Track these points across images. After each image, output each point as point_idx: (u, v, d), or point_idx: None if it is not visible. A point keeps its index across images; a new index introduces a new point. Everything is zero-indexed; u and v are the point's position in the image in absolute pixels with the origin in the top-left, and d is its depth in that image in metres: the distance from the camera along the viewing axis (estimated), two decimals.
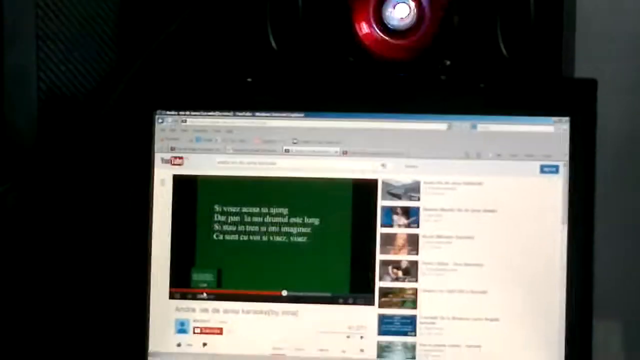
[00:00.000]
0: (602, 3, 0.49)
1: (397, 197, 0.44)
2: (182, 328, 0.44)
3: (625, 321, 0.51)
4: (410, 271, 0.44)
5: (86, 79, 0.45)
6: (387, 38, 0.44)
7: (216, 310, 0.44)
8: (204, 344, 0.44)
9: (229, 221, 0.44)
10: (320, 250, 0.44)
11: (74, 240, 0.46)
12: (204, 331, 0.44)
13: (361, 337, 0.44)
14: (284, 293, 0.44)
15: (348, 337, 0.44)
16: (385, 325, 0.44)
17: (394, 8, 0.44)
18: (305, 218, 0.44)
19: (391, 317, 0.44)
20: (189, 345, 0.44)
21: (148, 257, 0.44)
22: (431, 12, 0.44)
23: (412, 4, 0.44)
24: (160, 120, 0.45)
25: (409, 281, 0.44)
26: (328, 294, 0.44)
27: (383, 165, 0.44)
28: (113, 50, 0.46)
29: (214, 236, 0.44)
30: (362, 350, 0.44)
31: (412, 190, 0.44)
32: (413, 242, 0.44)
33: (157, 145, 0.45)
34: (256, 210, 0.44)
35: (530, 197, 0.43)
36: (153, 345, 0.44)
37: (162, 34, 0.45)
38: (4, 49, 0.42)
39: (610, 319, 0.50)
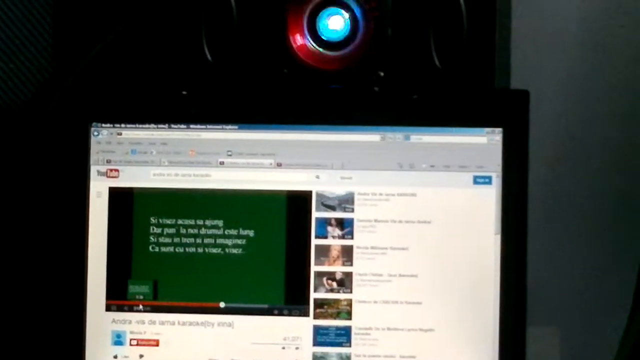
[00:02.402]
0: (536, 14, 0.49)
1: (331, 208, 0.44)
2: (118, 340, 0.45)
3: (560, 329, 0.51)
4: (345, 282, 0.44)
5: (21, 90, 0.45)
6: (321, 50, 0.44)
7: (152, 322, 0.44)
8: (141, 356, 0.44)
9: (165, 233, 0.44)
10: (256, 262, 0.44)
11: (10, 252, 0.46)
12: (141, 343, 0.44)
13: (296, 348, 0.44)
14: (222, 305, 0.44)
15: (283, 348, 0.44)
16: (320, 336, 0.44)
17: (328, 20, 0.45)
18: (240, 230, 0.44)
19: (326, 328, 0.44)
20: (126, 357, 0.44)
21: (84, 269, 0.44)
22: (365, 24, 0.44)
23: (346, 16, 0.44)
24: (95, 133, 0.45)
25: (344, 292, 0.44)
26: (264, 306, 0.44)
27: (317, 176, 0.44)
28: (49, 61, 0.46)
29: (150, 248, 0.44)
30: None
31: (346, 201, 0.44)
32: (347, 254, 0.44)
33: (93, 157, 0.45)
34: (192, 222, 0.44)
35: (463, 208, 0.43)
36: (90, 357, 0.44)
37: (98, 46, 0.45)
38: None
39: (545, 327, 0.50)
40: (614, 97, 0.53)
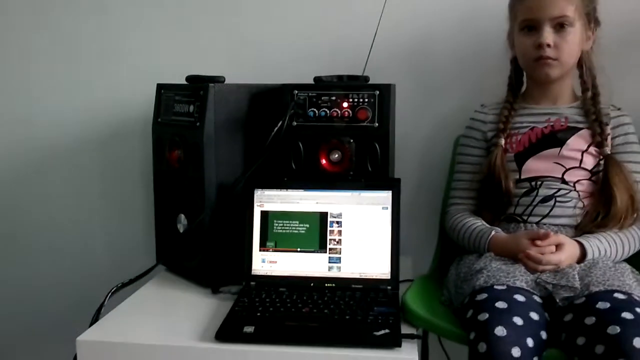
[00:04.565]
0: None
1: (333, 217, 1.30)
2: (263, 259, 1.29)
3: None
4: (340, 242, 1.28)
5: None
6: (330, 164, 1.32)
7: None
8: (272, 263, 1.29)
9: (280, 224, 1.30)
10: (309, 236, 1.29)
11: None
12: (270, 261, 1.29)
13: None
14: (298, 249, 1.29)
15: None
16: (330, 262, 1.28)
17: (335, 154, 1.33)
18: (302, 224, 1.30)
19: (333, 258, 1.28)
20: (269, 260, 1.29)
21: (252, 236, 1.29)
22: (349, 156, 1.32)
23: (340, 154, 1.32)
24: (257, 192, 1.32)
25: (338, 244, 1.29)
26: (312, 249, 1.29)
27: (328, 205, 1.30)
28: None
29: (274, 230, 1.30)
30: None
31: (337, 216, 1.30)
32: (339, 233, 1.29)
33: (256, 201, 1.31)
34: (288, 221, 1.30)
35: (377, 219, 1.29)
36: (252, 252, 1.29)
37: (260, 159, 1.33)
38: None
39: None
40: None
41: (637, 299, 1.06)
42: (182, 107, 1.37)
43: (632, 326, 0.98)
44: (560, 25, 1.27)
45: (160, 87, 1.46)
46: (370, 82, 1.41)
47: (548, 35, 1.26)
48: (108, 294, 1.25)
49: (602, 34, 1.34)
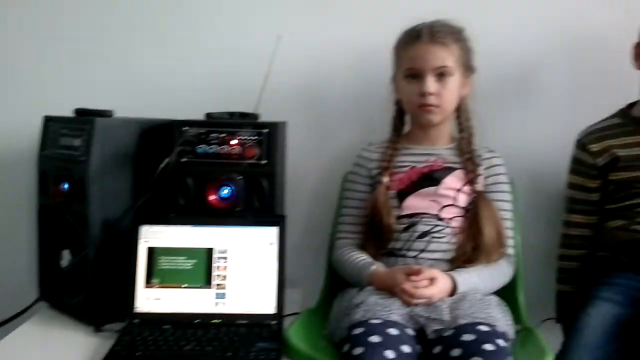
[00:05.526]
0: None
1: (218, 252, 1.31)
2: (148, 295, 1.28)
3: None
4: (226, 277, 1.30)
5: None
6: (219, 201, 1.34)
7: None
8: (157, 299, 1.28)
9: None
10: (194, 271, 1.30)
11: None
12: (153, 298, 1.28)
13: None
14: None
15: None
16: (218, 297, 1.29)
17: (223, 191, 1.34)
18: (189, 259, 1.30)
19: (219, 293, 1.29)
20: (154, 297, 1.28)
21: (135, 273, 1.28)
22: (236, 194, 1.34)
23: (229, 190, 1.34)
24: (142, 227, 1.31)
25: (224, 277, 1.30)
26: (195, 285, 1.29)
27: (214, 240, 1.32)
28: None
29: (159, 266, 1.30)
30: None
31: (223, 252, 1.31)
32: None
33: (141, 237, 1.31)
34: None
35: (265, 251, 1.31)
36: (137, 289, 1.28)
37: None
38: None
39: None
40: None
41: (500, 330, 1.14)
42: (69, 141, 1.35)
43: (493, 357, 1.05)
44: (441, 75, 1.36)
45: (48, 119, 1.43)
46: (262, 119, 1.45)
47: (431, 84, 1.35)
48: None
49: (476, 80, 1.45)
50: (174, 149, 1.31)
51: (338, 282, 1.45)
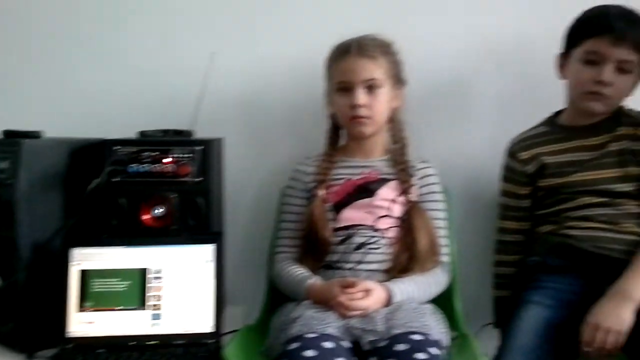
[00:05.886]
0: None
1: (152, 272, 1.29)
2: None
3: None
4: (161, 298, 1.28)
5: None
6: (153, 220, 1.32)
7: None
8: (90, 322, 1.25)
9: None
10: (129, 293, 1.28)
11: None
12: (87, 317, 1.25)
13: None
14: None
15: None
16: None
17: (157, 209, 1.33)
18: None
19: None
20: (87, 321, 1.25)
21: (67, 294, 1.25)
22: (170, 212, 1.33)
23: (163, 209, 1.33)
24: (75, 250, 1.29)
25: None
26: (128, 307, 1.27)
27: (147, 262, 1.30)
28: None
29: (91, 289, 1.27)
30: None
31: (158, 272, 1.30)
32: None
33: (73, 259, 1.28)
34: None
35: (203, 269, 1.30)
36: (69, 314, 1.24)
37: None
38: None
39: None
40: None
41: (433, 338, 1.15)
42: None
43: None
44: (370, 87, 1.38)
45: None
46: (199, 136, 1.44)
47: (361, 96, 1.38)
48: None
49: (410, 92, 1.47)
50: (104, 169, 1.29)
51: (279, 297, 1.45)
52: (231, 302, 1.57)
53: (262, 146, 1.64)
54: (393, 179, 1.42)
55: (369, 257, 1.35)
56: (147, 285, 1.28)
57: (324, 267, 1.37)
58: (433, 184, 1.44)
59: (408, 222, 1.37)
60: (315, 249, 1.37)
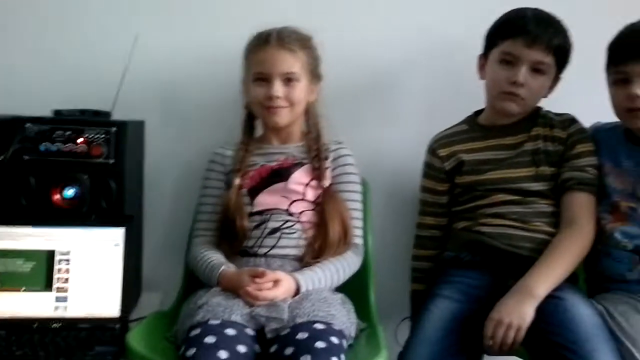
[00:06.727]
0: None
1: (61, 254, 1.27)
2: None
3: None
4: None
5: None
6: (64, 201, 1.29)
7: None
8: None
9: None
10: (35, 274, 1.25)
11: None
12: None
13: None
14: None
15: None
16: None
17: (68, 190, 1.30)
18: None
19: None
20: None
21: None
22: (81, 194, 1.30)
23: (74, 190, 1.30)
24: None
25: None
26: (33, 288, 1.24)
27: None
28: None
29: None
30: None
31: (65, 253, 1.27)
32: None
33: None
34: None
35: (111, 254, 1.28)
36: None
37: None
38: None
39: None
40: None
41: (336, 328, 1.16)
42: None
43: (322, 354, 1.08)
44: (288, 80, 1.39)
45: None
46: (118, 118, 1.42)
47: (278, 88, 1.38)
48: None
49: (333, 86, 1.48)
50: (10, 147, 1.26)
51: (196, 283, 1.44)
52: (150, 288, 1.55)
53: (184, 130, 1.62)
54: (306, 164, 1.42)
55: (283, 242, 1.35)
56: (56, 267, 1.26)
57: (240, 253, 1.37)
58: (347, 164, 1.45)
59: (321, 208, 1.38)
60: (232, 236, 1.37)
